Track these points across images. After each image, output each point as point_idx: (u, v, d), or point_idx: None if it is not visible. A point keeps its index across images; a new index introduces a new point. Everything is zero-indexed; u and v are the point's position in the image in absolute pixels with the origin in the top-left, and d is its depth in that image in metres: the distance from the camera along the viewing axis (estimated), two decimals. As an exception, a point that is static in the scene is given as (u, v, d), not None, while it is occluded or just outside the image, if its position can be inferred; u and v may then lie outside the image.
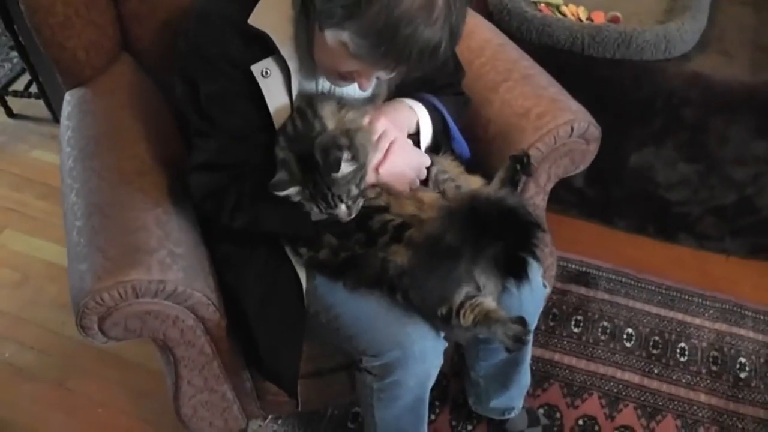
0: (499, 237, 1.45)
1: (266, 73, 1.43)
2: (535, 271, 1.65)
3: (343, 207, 1.45)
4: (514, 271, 1.49)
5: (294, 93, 1.48)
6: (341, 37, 1.32)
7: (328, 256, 1.55)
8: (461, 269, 1.43)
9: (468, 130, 1.77)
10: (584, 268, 2.56)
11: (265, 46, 1.42)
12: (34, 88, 3.27)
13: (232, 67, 1.43)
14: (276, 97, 1.46)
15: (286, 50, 1.43)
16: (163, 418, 2.07)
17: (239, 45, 1.42)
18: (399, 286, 1.48)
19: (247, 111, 1.47)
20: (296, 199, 1.44)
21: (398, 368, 1.50)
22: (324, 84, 1.55)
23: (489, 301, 1.46)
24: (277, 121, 1.48)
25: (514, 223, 1.47)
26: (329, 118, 1.47)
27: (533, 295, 1.66)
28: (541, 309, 1.75)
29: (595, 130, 1.74)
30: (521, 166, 1.57)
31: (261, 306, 1.54)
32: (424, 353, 1.51)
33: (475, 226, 1.42)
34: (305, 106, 1.48)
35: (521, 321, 1.42)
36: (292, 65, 1.44)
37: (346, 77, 1.45)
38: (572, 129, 1.70)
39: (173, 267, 1.44)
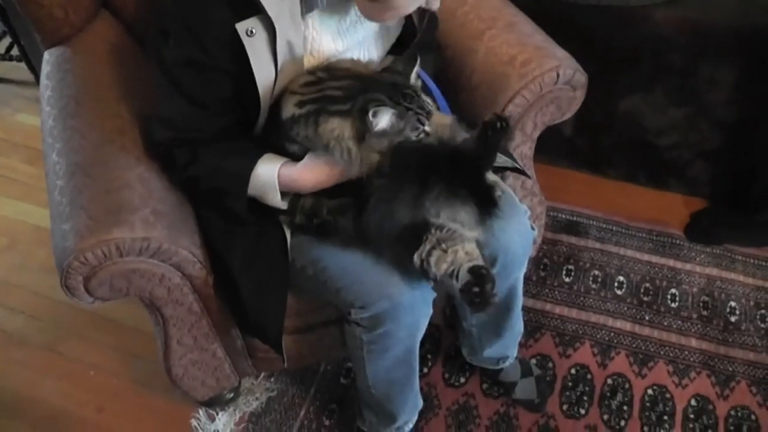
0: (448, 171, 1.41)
1: (251, 32, 1.39)
2: (522, 214, 1.64)
3: (428, 124, 1.43)
4: (482, 200, 1.44)
5: (280, 55, 1.44)
6: None
7: (303, 221, 1.54)
8: (415, 207, 1.41)
9: (452, 80, 1.75)
10: (575, 218, 2.56)
11: (252, 6, 1.38)
12: (15, 51, 3.23)
13: (208, 33, 1.40)
14: (260, 57, 1.43)
15: (274, 11, 1.39)
16: (156, 380, 2.07)
17: (221, 5, 1.38)
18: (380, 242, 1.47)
19: (213, 80, 1.44)
20: (390, 122, 1.37)
21: (387, 319, 1.50)
22: (312, 45, 1.52)
23: (468, 248, 1.43)
24: (261, 81, 1.44)
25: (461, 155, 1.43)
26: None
27: (521, 238, 1.65)
28: (530, 252, 1.74)
29: (581, 77, 1.73)
30: (493, 132, 1.41)
31: (246, 261, 1.54)
32: (413, 303, 1.51)
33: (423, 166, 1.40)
34: (339, 72, 1.48)
35: (476, 271, 1.38)
36: (279, 26, 1.41)
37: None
38: (558, 76, 1.69)
39: (157, 225, 1.43)
